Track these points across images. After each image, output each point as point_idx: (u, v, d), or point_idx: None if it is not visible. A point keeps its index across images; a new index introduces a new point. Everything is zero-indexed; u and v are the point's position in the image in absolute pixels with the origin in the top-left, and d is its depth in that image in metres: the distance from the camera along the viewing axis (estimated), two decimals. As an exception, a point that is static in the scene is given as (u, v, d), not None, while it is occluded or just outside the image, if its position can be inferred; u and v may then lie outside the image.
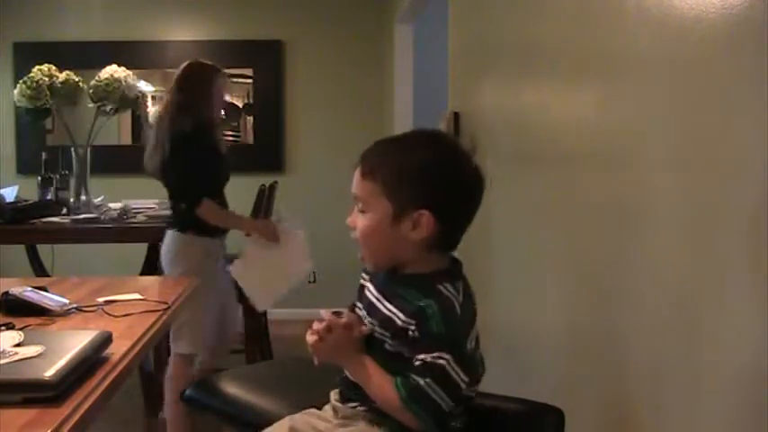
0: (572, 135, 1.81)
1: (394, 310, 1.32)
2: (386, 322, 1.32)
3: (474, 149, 1.37)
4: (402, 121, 4.83)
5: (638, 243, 1.44)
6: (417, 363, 1.26)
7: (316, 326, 1.36)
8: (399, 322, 1.30)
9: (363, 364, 1.34)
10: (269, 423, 1.46)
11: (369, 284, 1.42)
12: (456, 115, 3.05)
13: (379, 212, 1.31)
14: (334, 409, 1.41)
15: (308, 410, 1.46)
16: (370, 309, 1.37)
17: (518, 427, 1.50)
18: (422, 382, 1.25)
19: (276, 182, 4.11)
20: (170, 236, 2.97)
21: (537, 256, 2.10)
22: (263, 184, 3.80)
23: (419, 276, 1.33)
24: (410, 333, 1.27)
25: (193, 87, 2.99)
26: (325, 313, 1.38)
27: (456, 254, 1.40)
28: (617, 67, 1.54)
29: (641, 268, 1.42)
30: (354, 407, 1.38)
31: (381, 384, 1.30)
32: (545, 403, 1.49)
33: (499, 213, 2.48)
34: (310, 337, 1.36)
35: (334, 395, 1.44)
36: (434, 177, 1.31)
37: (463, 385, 1.27)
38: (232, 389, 1.84)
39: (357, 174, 1.34)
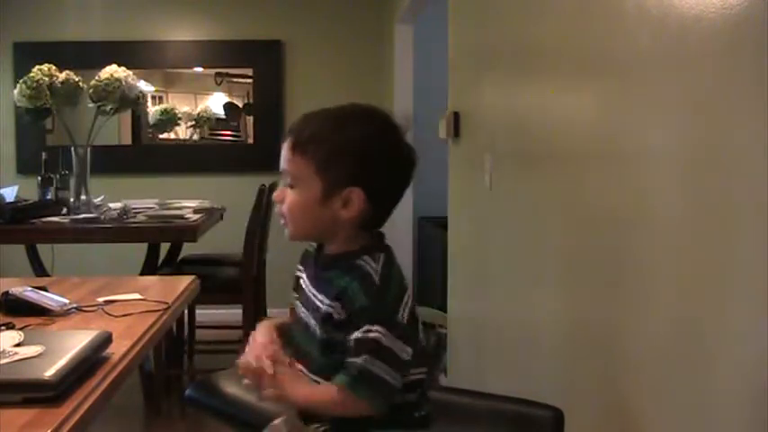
0: (572, 135, 1.81)
1: (320, 296, 1.30)
2: (316, 311, 1.30)
3: (408, 126, 1.36)
4: (402, 121, 4.83)
5: (638, 242, 1.44)
6: (350, 343, 1.23)
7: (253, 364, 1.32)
8: (324, 307, 1.28)
9: (302, 386, 1.30)
10: (269, 423, 1.46)
11: (303, 275, 1.39)
12: (456, 115, 3.05)
13: (309, 189, 1.28)
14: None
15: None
16: (305, 301, 1.35)
17: (518, 426, 1.50)
18: (359, 360, 1.22)
19: (276, 182, 4.11)
20: None
21: (536, 255, 2.10)
22: (263, 184, 3.80)
23: (341, 255, 1.31)
24: (335, 317, 1.25)
25: None
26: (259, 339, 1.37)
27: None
28: (617, 67, 1.54)
29: (642, 267, 1.42)
30: (318, 427, 1.35)
31: (323, 391, 1.27)
32: (545, 403, 1.49)
33: (498, 213, 2.48)
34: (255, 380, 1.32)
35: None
36: (366, 155, 1.29)
37: (405, 356, 1.24)
38: (232, 389, 1.83)
39: (286, 148, 1.31)
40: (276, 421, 1.39)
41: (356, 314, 1.24)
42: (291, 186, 1.31)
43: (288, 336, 1.40)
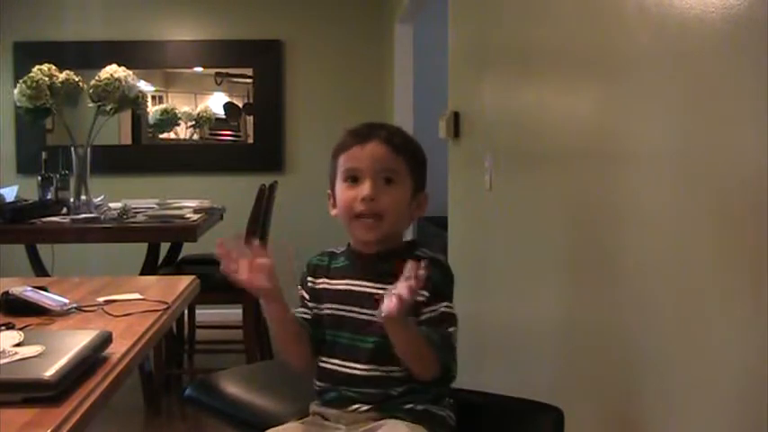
0: (572, 134, 1.81)
1: (388, 287, 1.29)
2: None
3: None
4: (402, 122, 4.82)
5: (638, 242, 1.44)
6: (432, 314, 1.33)
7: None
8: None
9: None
10: (269, 423, 1.46)
11: (327, 281, 1.43)
12: (456, 115, 3.05)
13: (407, 188, 1.41)
14: (336, 418, 1.38)
15: (304, 420, 1.45)
16: (363, 300, 1.37)
17: (518, 426, 1.50)
18: (448, 330, 1.33)
19: (276, 182, 4.11)
20: None
21: (536, 255, 2.10)
22: (263, 184, 3.80)
23: (396, 249, 1.40)
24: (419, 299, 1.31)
25: None
26: None
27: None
28: (617, 67, 1.54)
29: (641, 267, 1.42)
30: (356, 409, 1.36)
31: (421, 337, 1.30)
32: (544, 402, 1.49)
33: (498, 212, 2.48)
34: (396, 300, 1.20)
35: (315, 406, 1.43)
36: (426, 166, 1.49)
37: None
38: (232, 389, 1.84)
39: (386, 148, 1.40)
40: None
41: (439, 292, 1.34)
42: (390, 182, 1.39)
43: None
